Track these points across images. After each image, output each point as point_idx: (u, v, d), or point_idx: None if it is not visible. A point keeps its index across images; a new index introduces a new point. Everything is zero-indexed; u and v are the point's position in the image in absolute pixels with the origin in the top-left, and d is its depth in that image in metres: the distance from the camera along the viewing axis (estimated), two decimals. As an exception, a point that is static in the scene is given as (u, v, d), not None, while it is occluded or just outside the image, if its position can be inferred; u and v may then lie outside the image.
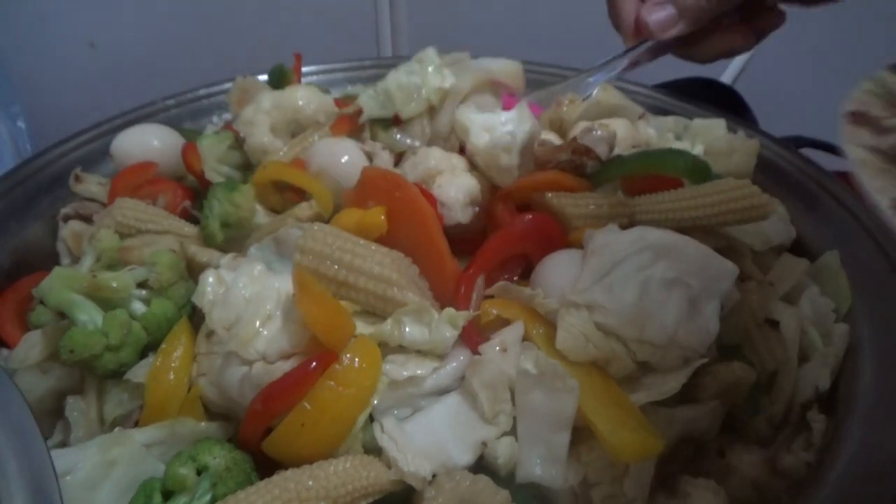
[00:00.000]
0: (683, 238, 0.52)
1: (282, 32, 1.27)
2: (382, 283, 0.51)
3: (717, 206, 0.55)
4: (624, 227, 0.54)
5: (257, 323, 0.47)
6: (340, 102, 0.73)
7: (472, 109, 0.64)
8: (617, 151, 0.64)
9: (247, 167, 0.71)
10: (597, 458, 0.46)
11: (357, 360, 0.46)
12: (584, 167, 0.60)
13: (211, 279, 0.51)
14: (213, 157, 0.68)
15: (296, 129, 0.68)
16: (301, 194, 0.62)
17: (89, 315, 0.49)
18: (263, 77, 0.88)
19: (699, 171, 0.60)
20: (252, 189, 0.63)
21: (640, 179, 0.61)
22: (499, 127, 0.60)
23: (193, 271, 0.58)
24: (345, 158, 0.63)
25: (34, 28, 1.29)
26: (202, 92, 0.93)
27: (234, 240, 0.60)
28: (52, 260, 0.70)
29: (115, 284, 0.50)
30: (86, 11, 1.29)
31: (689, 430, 0.51)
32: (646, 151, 0.64)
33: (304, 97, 0.68)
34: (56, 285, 0.49)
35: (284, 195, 0.64)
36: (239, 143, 0.68)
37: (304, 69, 0.90)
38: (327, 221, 0.58)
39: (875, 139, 0.46)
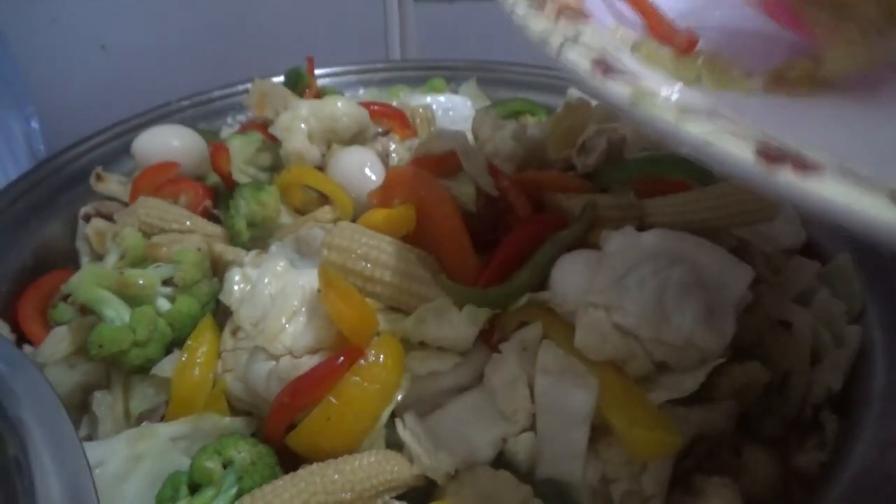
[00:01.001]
0: (700, 241, 0.53)
1: (291, 35, 1.27)
2: (407, 278, 0.52)
3: (724, 209, 0.56)
4: (636, 228, 0.55)
5: (283, 319, 0.48)
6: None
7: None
8: (627, 154, 0.65)
9: (273, 169, 0.73)
10: (616, 455, 0.47)
11: (382, 356, 0.47)
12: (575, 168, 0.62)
13: (237, 277, 0.52)
14: (242, 158, 0.69)
15: (332, 137, 0.70)
16: (325, 198, 0.64)
17: (116, 311, 0.50)
18: (277, 79, 0.89)
19: (703, 174, 0.61)
20: (277, 190, 0.64)
21: (651, 182, 0.62)
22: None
23: (219, 269, 0.59)
24: (366, 166, 0.65)
25: (47, 30, 1.30)
26: (216, 94, 0.94)
27: (258, 239, 0.61)
28: (70, 258, 0.71)
29: (142, 281, 0.51)
30: (97, 14, 1.30)
31: (704, 428, 0.52)
32: (651, 155, 0.65)
33: (342, 108, 0.70)
34: (86, 281, 0.50)
35: (310, 197, 0.65)
36: (273, 146, 0.70)
37: (316, 72, 0.92)
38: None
39: None
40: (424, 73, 1.00)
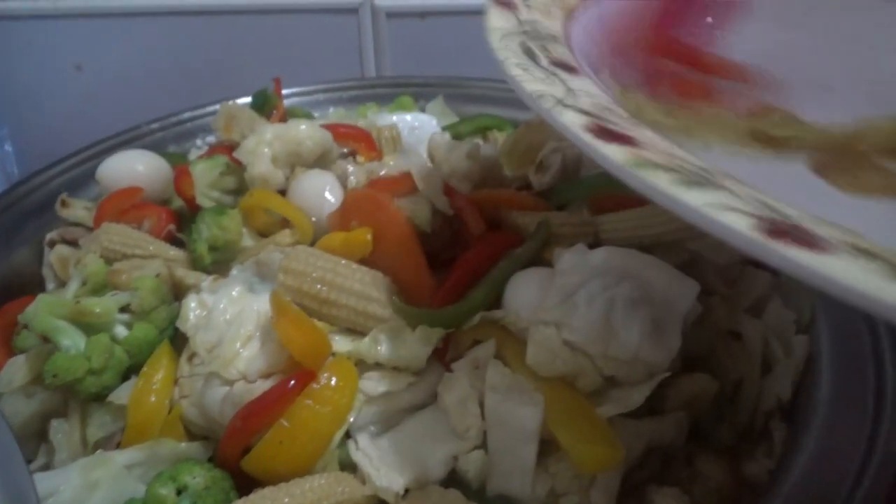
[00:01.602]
0: (647, 257, 0.54)
1: (266, 54, 1.28)
2: (363, 299, 0.54)
3: (675, 223, 0.57)
4: (590, 245, 0.57)
5: (238, 344, 0.49)
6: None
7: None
8: (584, 171, 0.66)
9: (238, 192, 0.73)
10: (564, 469, 0.48)
11: (334, 378, 0.48)
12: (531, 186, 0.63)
13: (193, 304, 0.53)
14: (205, 182, 0.70)
15: (295, 160, 0.71)
16: (287, 221, 0.65)
17: (72, 340, 0.51)
18: (247, 99, 0.90)
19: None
20: (239, 214, 0.65)
21: (607, 198, 0.63)
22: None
23: (180, 294, 0.60)
24: (326, 190, 0.66)
25: (21, 52, 1.31)
26: (186, 115, 0.95)
27: (222, 262, 0.62)
28: (38, 284, 0.71)
29: (98, 310, 0.52)
30: (73, 36, 1.30)
31: (656, 440, 0.53)
32: (604, 172, 0.66)
33: (305, 131, 0.70)
34: (40, 311, 0.51)
35: (273, 220, 0.66)
36: (238, 169, 0.71)
37: (285, 91, 0.93)
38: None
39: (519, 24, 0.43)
40: (394, 91, 1.01)
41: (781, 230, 0.23)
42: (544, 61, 0.38)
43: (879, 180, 0.37)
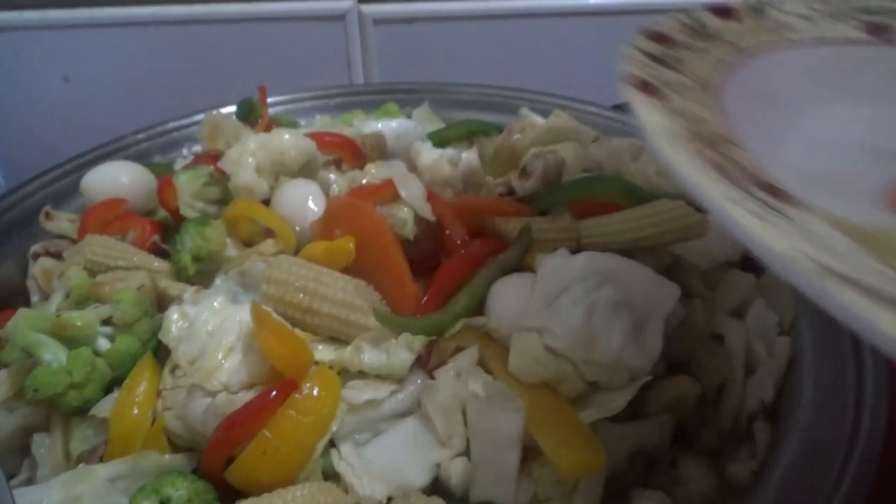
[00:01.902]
0: (628, 262, 0.54)
1: (254, 62, 1.28)
2: (346, 308, 0.54)
3: (654, 228, 0.58)
4: (573, 250, 0.57)
5: (220, 355, 0.49)
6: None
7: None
8: (567, 176, 0.67)
9: (222, 202, 0.73)
10: (547, 475, 0.48)
11: (317, 388, 0.48)
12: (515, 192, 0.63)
13: (175, 315, 0.53)
14: (189, 192, 0.70)
15: (279, 169, 0.71)
16: (271, 230, 0.65)
17: (54, 354, 0.51)
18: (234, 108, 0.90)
19: (632, 194, 0.63)
20: (222, 224, 0.65)
21: (589, 203, 0.64)
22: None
23: (165, 305, 0.60)
24: (309, 199, 0.66)
25: (8, 62, 1.31)
26: (172, 125, 0.95)
27: (206, 272, 0.62)
28: (23, 297, 0.71)
29: (79, 323, 0.52)
30: (60, 46, 1.30)
31: (640, 443, 0.53)
32: (587, 177, 0.67)
33: (289, 140, 0.70)
34: (21, 326, 0.50)
35: (257, 229, 0.66)
36: (222, 179, 0.71)
37: (271, 99, 0.93)
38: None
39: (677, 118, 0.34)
40: (380, 97, 1.01)
41: None
42: (749, 184, 0.29)
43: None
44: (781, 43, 0.50)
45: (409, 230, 0.59)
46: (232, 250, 0.66)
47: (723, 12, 0.50)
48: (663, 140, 0.31)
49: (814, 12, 0.53)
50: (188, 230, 0.62)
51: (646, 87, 0.36)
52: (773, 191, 0.29)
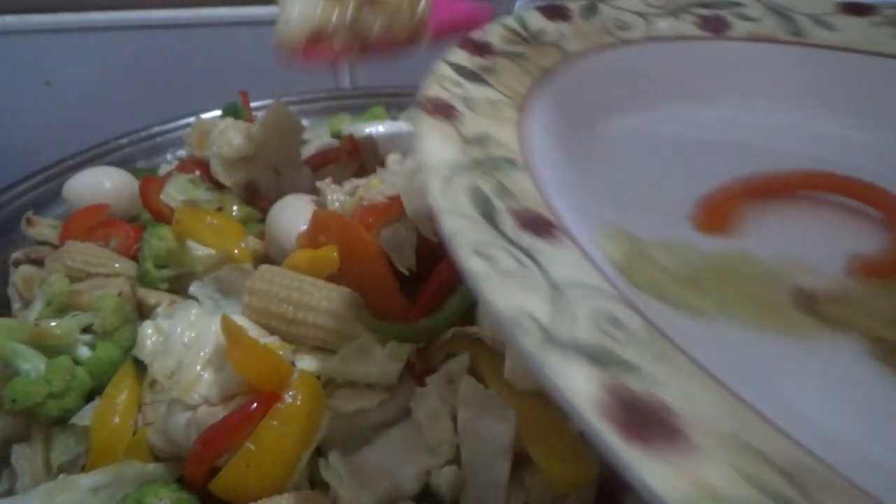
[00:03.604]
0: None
1: (239, 67, 1.27)
2: (331, 317, 0.53)
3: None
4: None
5: (198, 367, 0.48)
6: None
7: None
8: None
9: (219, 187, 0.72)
10: (539, 482, 0.48)
11: (300, 397, 0.47)
12: None
13: (149, 330, 0.52)
14: (175, 187, 0.69)
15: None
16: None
17: (32, 363, 0.49)
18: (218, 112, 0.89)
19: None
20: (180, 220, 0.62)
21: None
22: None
23: (146, 312, 0.59)
24: (301, 222, 0.62)
25: (-10, 67, 1.29)
26: (156, 129, 0.94)
27: (182, 278, 0.60)
28: (4, 305, 0.70)
29: (58, 332, 0.50)
30: (42, 50, 1.29)
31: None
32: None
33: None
34: (-2, 335, 0.49)
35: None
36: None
37: (256, 104, 0.92)
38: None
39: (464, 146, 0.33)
40: (365, 101, 1.01)
41: None
42: (509, 225, 0.28)
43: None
44: (611, 41, 0.49)
45: (411, 262, 0.58)
46: (200, 250, 0.63)
47: (553, 12, 0.48)
48: (433, 174, 0.30)
49: (650, 8, 0.52)
50: (146, 235, 0.61)
51: (440, 108, 0.35)
52: (533, 223, 0.29)
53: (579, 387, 0.20)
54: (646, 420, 0.20)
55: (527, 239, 0.28)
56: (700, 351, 0.25)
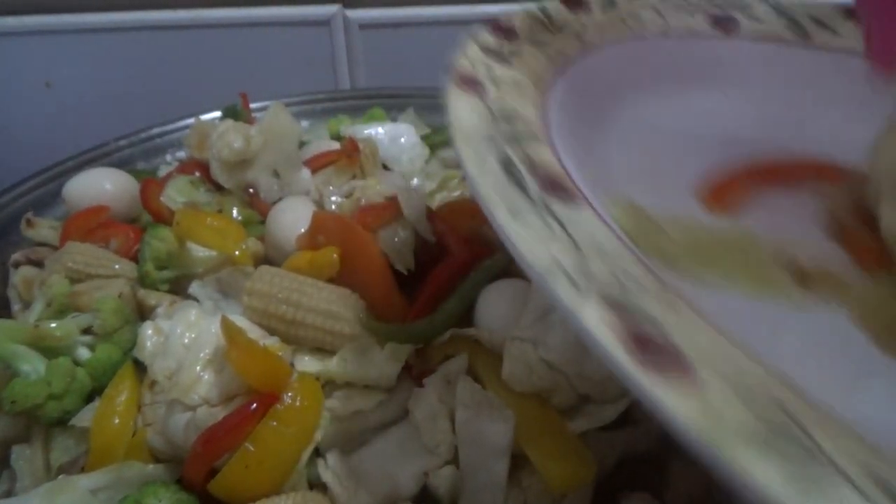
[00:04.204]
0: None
1: (238, 69, 1.28)
2: (330, 318, 0.53)
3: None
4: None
5: (198, 368, 0.48)
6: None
7: None
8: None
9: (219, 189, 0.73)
10: (537, 483, 0.48)
11: (299, 398, 0.47)
12: None
13: (149, 331, 0.52)
14: (175, 188, 0.69)
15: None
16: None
17: (32, 365, 0.50)
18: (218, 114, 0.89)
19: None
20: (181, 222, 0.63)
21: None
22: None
23: (146, 313, 0.59)
24: (300, 225, 0.63)
25: (-10, 69, 1.30)
26: (155, 131, 0.94)
27: (182, 279, 0.61)
28: (4, 306, 0.70)
29: (58, 333, 0.51)
30: (42, 51, 1.29)
31: (629, 450, 0.53)
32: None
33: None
34: (-3, 337, 0.50)
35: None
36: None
37: (256, 105, 0.92)
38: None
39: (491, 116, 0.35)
40: (364, 103, 1.01)
41: None
42: (534, 190, 0.30)
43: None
44: (626, 35, 0.51)
45: (411, 263, 0.58)
46: (200, 251, 0.63)
47: (574, 3, 0.51)
48: (464, 141, 0.32)
49: (664, 3, 0.54)
50: (146, 236, 0.61)
51: (469, 82, 0.38)
52: (553, 186, 0.31)
53: (605, 329, 0.24)
54: (660, 357, 0.23)
55: (551, 202, 0.30)
56: (704, 309, 0.28)
